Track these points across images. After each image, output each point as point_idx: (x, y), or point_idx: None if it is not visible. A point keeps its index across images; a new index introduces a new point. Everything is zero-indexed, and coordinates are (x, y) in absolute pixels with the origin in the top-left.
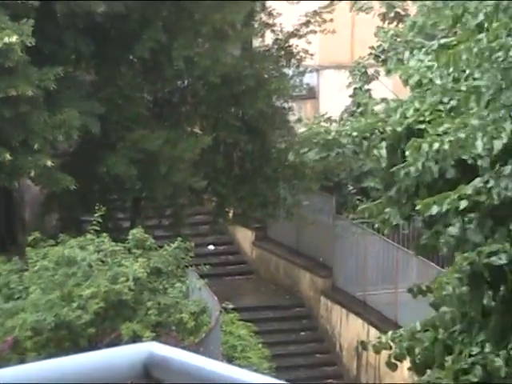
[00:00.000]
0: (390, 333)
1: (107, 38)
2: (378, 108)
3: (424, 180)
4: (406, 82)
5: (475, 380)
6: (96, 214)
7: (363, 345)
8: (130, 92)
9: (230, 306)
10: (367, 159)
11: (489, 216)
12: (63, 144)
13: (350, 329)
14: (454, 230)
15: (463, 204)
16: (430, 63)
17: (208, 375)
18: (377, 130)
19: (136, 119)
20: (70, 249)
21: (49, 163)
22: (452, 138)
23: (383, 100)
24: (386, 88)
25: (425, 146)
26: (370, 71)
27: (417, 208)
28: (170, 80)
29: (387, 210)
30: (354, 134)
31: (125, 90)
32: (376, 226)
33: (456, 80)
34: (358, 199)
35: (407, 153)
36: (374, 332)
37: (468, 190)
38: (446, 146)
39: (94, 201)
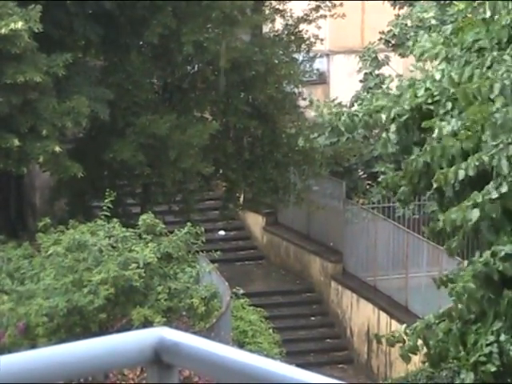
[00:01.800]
0: (403, 326)
1: (116, 23)
2: (392, 85)
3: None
4: (419, 59)
5: (493, 369)
6: (106, 200)
7: (377, 338)
8: (139, 78)
9: (241, 292)
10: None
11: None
12: (72, 130)
13: (360, 314)
14: (467, 229)
15: (475, 215)
16: (450, 38)
17: (219, 360)
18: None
19: (145, 105)
20: (81, 234)
21: (57, 149)
22: (477, 163)
23: (398, 76)
24: (396, 72)
25: (438, 149)
26: (381, 56)
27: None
28: (179, 65)
29: (401, 189)
30: (365, 116)
31: (134, 76)
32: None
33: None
34: (368, 184)
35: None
36: (384, 317)
37: (479, 197)
38: (471, 173)
39: (103, 186)
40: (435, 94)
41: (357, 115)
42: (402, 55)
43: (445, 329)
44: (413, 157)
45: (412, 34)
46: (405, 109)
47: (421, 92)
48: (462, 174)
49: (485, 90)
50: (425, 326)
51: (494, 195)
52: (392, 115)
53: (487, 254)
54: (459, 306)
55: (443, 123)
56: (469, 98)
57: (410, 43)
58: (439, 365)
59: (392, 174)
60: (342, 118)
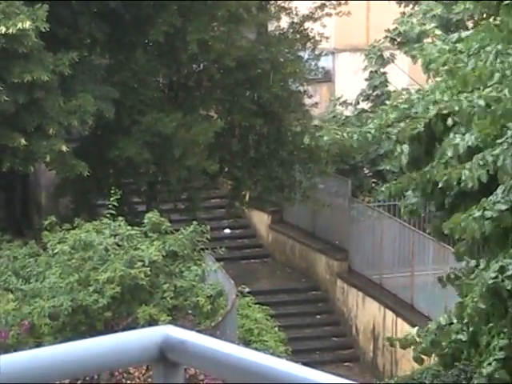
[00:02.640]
0: (415, 328)
1: (122, 22)
2: (400, 101)
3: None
4: (427, 69)
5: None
6: (111, 198)
7: (390, 341)
8: (144, 76)
9: (246, 290)
10: (391, 156)
11: None
12: (78, 128)
13: (366, 312)
14: (478, 235)
15: (488, 227)
16: (455, 46)
17: (224, 358)
18: (400, 125)
19: (151, 103)
20: (87, 233)
21: (63, 148)
22: (481, 163)
23: (404, 89)
24: (402, 71)
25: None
26: (386, 54)
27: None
28: (184, 64)
29: (413, 200)
30: (377, 132)
31: (139, 74)
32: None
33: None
34: (374, 182)
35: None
36: (390, 315)
37: (491, 208)
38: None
39: (108, 185)
40: (443, 109)
41: (370, 132)
42: (414, 57)
43: (457, 330)
44: (426, 168)
45: (415, 33)
46: (417, 122)
47: (431, 106)
48: (466, 173)
49: (485, 77)
50: (436, 327)
51: (504, 207)
52: (405, 130)
53: (495, 267)
54: (468, 310)
55: (457, 140)
56: (468, 86)
57: (415, 52)
58: (452, 366)
59: (394, 182)
60: (355, 137)
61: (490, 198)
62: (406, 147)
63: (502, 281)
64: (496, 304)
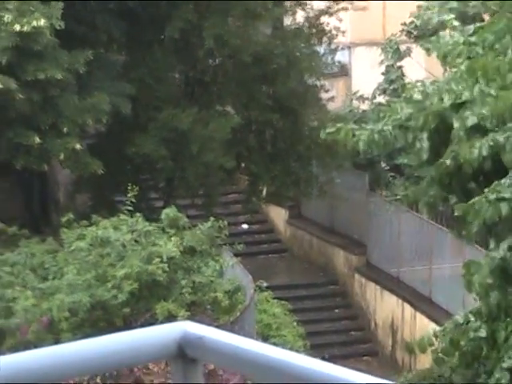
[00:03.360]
0: (431, 329)
1: (139, 19)
2: (415, 94)
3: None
4: (443, 61)
5: None
6: (129, 194)
7: (409, 347)
8: (161, 72)
9: (264, 285)
10: (410, 151)
11: None
12: (94, 125)
13: (384, 306)
14: (489, 220)
15: (504, 208)
16: (470, 38)
17: (243, 354)
18: (419, 119)
19: (167, 99)
20: (104, 229)
21: (77, 146)
22: (491, 143)
23: (418, 81)
24: (419, 65)
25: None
26: (402, 48)
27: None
28: (201, 59)
29: (432, 192)
30: (393, 126)
31: (156, 71)
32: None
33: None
34: (392, 176)
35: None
36: (408, 309)
37: (505, 190)
38: (485, 152)
39: (125, 181)
40: (461, 95)
41: (389, 131)
42: (429, 49)
43: (475, 328)
44: (442, 160)
45: (433, 25)
46: (434, 114)
47: (446, 96)
48: (475, 153)
49: (504, 69)
50: (454, 326)
51: None
52: (422, 123)
53: (504, 246)
54: (489, 301)
55: (466, 114)
56: (488, 76)
57: (430, 45)
58: (473, 364)
59: (404, 182)
60: (376, 137)
61: (504, 180)
62: (425, 143)
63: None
64: (505, 282)
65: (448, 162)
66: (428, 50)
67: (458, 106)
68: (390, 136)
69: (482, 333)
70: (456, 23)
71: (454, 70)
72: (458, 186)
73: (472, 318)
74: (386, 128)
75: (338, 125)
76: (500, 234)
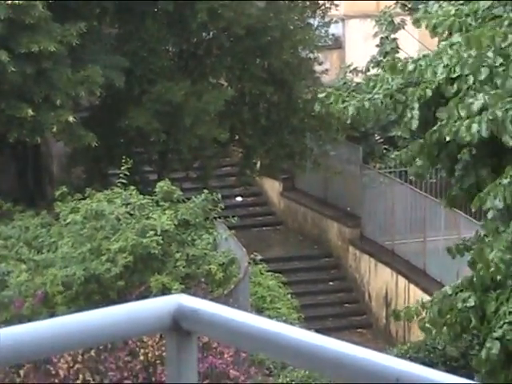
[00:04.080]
0: (420, 300)
1: None
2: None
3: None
4: (433, 32)
5: None
6: (123, 167)
7: (395, 315)
8: (154, 45)
9: (259, 257)
10: (401, 122)
11: None
12: (88, 98)
13: (378, 278)
14: (500, 204)
15: None
16: (461, 8)
17: (237, 326)
18: (409, 91)
19: (161, 72)
20: (98, 202)
21: (71, 119)
22: (491, 117)
23: (409, 58)
24: (412, 37)
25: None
26: (397, 20)
27: (473, 204)
28: (194, 32)
29: (419, 163)
30: (383, 95)
31: (149, 43)
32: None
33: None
34: (385, 148)
35: (439, 114)
36: (402, 281)
37: None
38: (484, 126)
39: (119, 154)
40: (456, 68)
41: (380, 100)
42: (418, 21)
43: (464, 299)
44: (434, 128)
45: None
46: (427, 87)
47: (440, 69)
48: (475, 127)
49: (499, 39)
50: (442, 297)
51: None
52: (415, 95)
53: None
54: (481, 273)
55: (471, 100)
56: (483, 47)
57: (420, 12)
58: (461, 336)
59: (404, 149)
60: (366, 105)
61: None
62: (415, 112)
63: None
64: None
65: (448, 138)
66: (417, 22)
67: (452, 80)
68: (381, 105)
69: (471, 303)
70: None
71: (445, 42)
72: (446, 158)
73: (461, 289)
74: (377, 96)
75: (329, 90)
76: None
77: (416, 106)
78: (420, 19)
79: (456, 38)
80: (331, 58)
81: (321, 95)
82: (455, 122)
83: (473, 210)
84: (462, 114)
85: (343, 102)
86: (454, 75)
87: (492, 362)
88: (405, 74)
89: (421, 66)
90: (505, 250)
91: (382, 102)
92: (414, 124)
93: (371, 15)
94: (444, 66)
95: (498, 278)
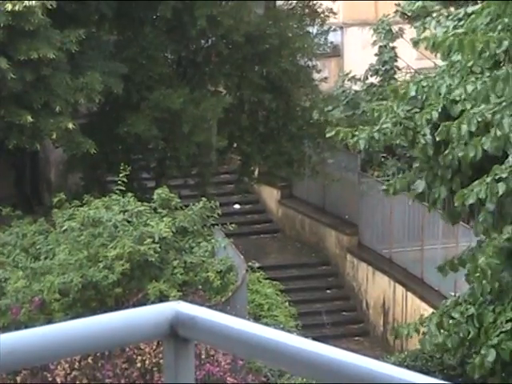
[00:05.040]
0: (418, 320)
1: None
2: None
3: (467, 158)
4: (433, 50)
5: None
6: (121, 174)
7: (396, 332)
8: (153, 52)
9: (256, 265)
10: (413, 148)
11: None
12: (86, 104)
13: (376, 286)
14: (491, 206)
15: (501, 188)
16: (457, 30)
17: (235, 334)
18: (416, 116)
19: (159, 79)
20: (96, 209)
21: (70, 126)
22: (492, 135)
23: (411, 81)
24: (411, 45)
25: (464, 129)
26: (395, 29)
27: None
28: (193, 39)
29: (420, 187)
30: (393, 125)
31: (148, 50)
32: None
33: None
34: (384, 157)
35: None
36: (400, 289)
37: (503, 172)
38: (488, 144)
39: (117, 161)
40: (459, 89)
41: (389, 129)
42: (417, 43)
43: (461, 311)
44: (446, 152)
45: (418, 23)
46: (432, 110)
47: (443, 89)
48: (464, 128)
49: (493, 45)
50: (441, 312)
51: None
52: (423, 119)
53: (509, 229)
54: (483, 282)
55: (472, 111)
56: (477, 51)
57: (418, 30)
58: (459, 347)
59: (399, 177)
60: (376, 136)
61: (502, 166)
62: (428, 138)
63: None
64: (508, 264)
65: (451, 156)
66: (417, 43)
67: (456, 101)
68: (391, 134)
69: (469, 313)
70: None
71: (445, 62)
72: (459, 179)
73: (460, 303)
74: (386, 126)
75: (337, 128)
76: (503, 222)
77: (428, 131)
78: (419, 41)
79: (455, 57)
80: (330, 65)
81: (329, 134)
82: (465, 144)
83: (471, 219)
84: (466, 127)
85: (353, 136)
86: (458, 97)
87: (485, 369)
88: (407, 98)
89: (423, 87)
90: (493, 256)
91: (391, 132)
92: (430, 150)
93: (370, 23)
94: (447, 86)
95: (495, 288)
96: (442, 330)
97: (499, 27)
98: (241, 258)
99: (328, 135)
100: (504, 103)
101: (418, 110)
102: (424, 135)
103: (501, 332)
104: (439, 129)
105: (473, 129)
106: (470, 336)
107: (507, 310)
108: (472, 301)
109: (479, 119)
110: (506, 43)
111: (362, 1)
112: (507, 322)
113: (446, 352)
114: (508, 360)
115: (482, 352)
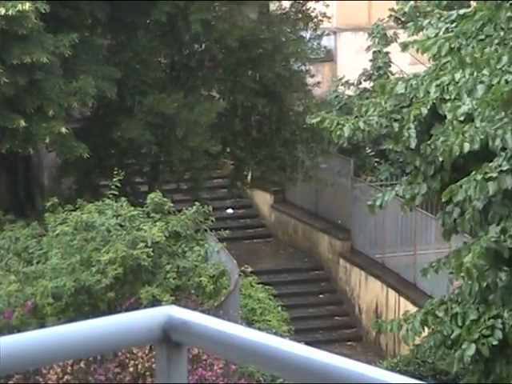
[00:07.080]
0: (402, 314)
1: (123, 2)
2: (398, 88)
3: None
4: (423, 52)
5: (495, 343)
6: (114, 179)
7: (378, 325)
8: (146, 56)
9: (249, 270)
10: (396, 141)
11: None
12: (80, 109)
13: (368, 291)
14: (479, 204)
15: (492, 187)
16: (448, 34)
17: (227, 338)
18: (404, 110)
19: (153, 83)
20: (89, 214)
21: (63, 130)
22: (479, 130)
23: (400, 79)
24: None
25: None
26: (389, 33)
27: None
28: (186, 44)
29: (416, 185)
30: (379, 118)
31: (141, 55)
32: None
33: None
34: (377, 161)
35: (434, 131)
36: (393, 294)
37: (493, 171)
38: (476, 145)
39: (111, 165)
40: (449, 87)
41: (375, 120)
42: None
43: (445, 309)
44: (428, 142)
45: (410, 24)
46: (420, 106)
47: (433, 89)
48: (467, 147)
49: (493, 61)
50: (426, 310)
51: (506, 167)
52: (411, 114)
53: (497, 229)
54: (469, 282)
55: (457, 103)
56: (480, 68)
57: (411, 30)
58: (440, 346)
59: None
60: (361, 126)
61: (491, 164)
62: (412, 131)
63: (504, 241)
64: (497, 264)
65: (440, 158)
66: (406, 47)
67: (446, 100)
68: (376, 125)
69: (454, 311)
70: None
71: (435, 62)
72: (441, 177)
73: (446, 302)
74: (372, 118)
75: (322, 113)
76: (491, 220)
77: (412, 125)
78: (408, 44)
79: (445, 59)
80: (323, 70)
81: (314, 120)
82: (448, 133)
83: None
84: (449, 117)
85: (338, 124)
86: (447, 96)
87: (463, 364)
88: (393, 94)
89: (412, 85)
90: (479, 256)
91: (377, 123)
92: (413, 142)
93: (363, 28)
94: (437, 85)
95: (481, 288)
96: (425, 328)
97: (491, 31)
98: (234, 262)
99: (313, 121)
100: (506, 119)
101: (405, 105)
102: (408, 128)
103: (483, 328)
104: (434, 128)
105: (458, 119)
106: (452, 335)
107: (491, 308)
108: (459, 300)
109: (464, 111)
110: (505, 58)
111: (356, 6)
112: (489, 319)
113: (426, 352)
114: (488, 355)
115: (463, 347)
